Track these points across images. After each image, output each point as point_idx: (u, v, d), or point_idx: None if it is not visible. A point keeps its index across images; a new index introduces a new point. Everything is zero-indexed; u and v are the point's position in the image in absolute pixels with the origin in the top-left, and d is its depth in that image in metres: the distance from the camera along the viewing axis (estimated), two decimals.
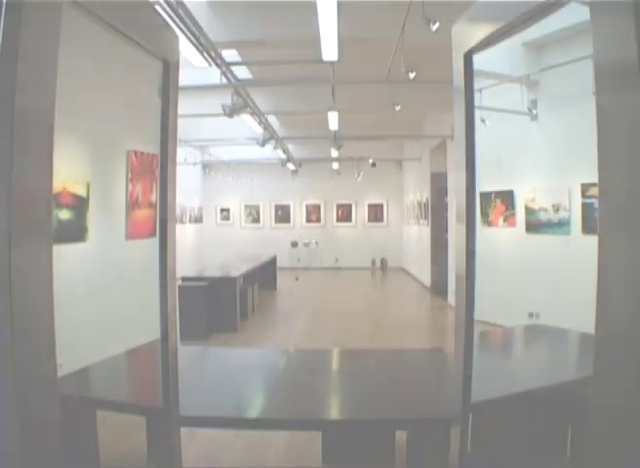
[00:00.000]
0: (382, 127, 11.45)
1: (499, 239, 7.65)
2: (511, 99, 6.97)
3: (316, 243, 16.75)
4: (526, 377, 2.67)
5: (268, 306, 9.85)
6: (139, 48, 1.59)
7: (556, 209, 6.57)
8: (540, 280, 6.80)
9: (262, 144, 8.87)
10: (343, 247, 16.79)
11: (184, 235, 14.21)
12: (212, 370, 3.04)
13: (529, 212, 7.05)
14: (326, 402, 2.54)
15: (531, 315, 6.88)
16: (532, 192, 6.98)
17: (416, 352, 4.23)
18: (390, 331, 7.47)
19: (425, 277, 12.26)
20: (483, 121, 6.51)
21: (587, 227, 6.08)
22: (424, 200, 12.32)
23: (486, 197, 7.72)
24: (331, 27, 4.39)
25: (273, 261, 11.94)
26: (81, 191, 4.32)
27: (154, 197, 5.43)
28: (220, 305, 7.20)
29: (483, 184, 7.52)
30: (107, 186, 4.84)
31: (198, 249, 15.66)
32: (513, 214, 7.38)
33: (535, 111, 6.88)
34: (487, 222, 7.83)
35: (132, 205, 5.11)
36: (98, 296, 4.50)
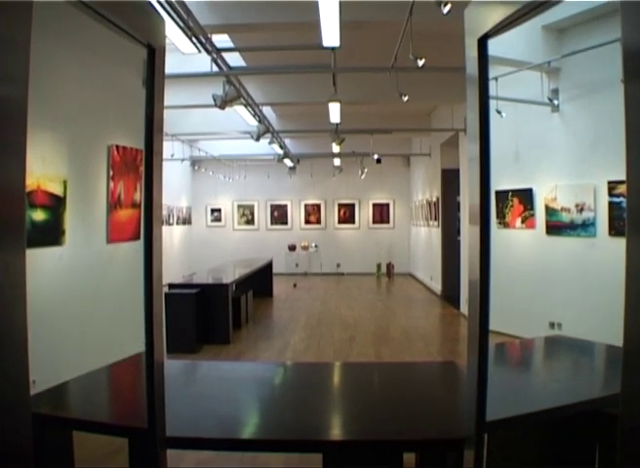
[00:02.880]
0: (388, 119, 11.46)
1: (516, 242, 7.65)
2: (530, 89, 6.97)
3: (316, 246, 16.75)
4: (547, 394, 2.66)
5: (264, 316, 9.84)
6: (120, 32, 1.59)
7: (580, 209, 6.57)
8: (562, 287, 6.80)
9: (257, 138, 8.86)
10: (346, 250, 16.80)
11: (172, 238, 14.21)
12: (201, 386, 3.03)
13: (550, 212, 7.05)
14: (327, 421, 2.53)
15: (552, 325, 6.87)
16: (553, 191, 6.99)
17: (425, 366, 4.22)
18: (397, 343, 7.46)
19: (436, 283, 12.26)
20: (499, 112, 6.53)
21: (615, 229, 6.08)
22: (434, 199, 12.33)
23: (502, 196, 7.72)
24: (331, 9, 4.40)
25: (269, 266, 11.95)
26: (57, 190, 4.32)
27: (138, 196, 5.43)
28: (210, 315, 7.20)
29: (499, 182, 7.54)
30: (86, 184, 4.84)
31: (187, 253, 15.67)
32: (532, 215, 7.38)
33: (556, 101, 6.88)
34: (503, 224, 7.83)
35: (113, 205, 5.11)
36: (76, 305, 4.50)
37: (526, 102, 7.05)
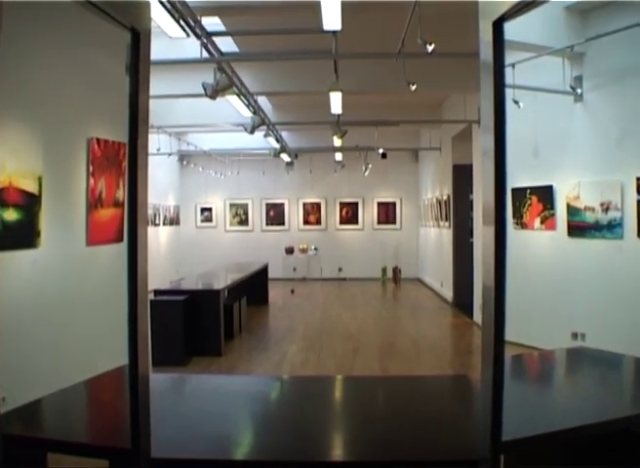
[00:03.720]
0: (395, 110, 11.46)
1: (535, 244, 7.64)
2: (551, 76, 6.98)
3: (315, 249, 16.75)
4: (570, 412, 2.66)
5: (259, 325, 9.85)
6: (101, 15, 1.60)
7: (605, 208, 6.57)
8: (585, 293, 6.79)
9: (251, 131, 8.87)
10: (348, 253, 16.80)
11: (158, 240, 14.21)
12: (190, 403, 3.03)
13: (572, 211, 7.04)
14: (328, 440, 2.53)
15: (575, 336, 6.87)
16: (575, 188, 6.99)
17: (435, 380, 4.22)
18: (404, 355, 7.46)
19: (446, 290, 12.26)
20: (516, 102, 6.53)
21: None
22: (445, 197, 12.33)
23: (519, 194, 7.72)
24: None
25: (264, 271, 11.96)
26: (31, 187, 4.32)
27: (121, 194, 5.43)
28: (200, 324, 7.19)
29: (516, 179, 7.54)
30: (64, 181, 4.84)
31: (174, 256, 15.67)
32: (553, 215, 7.38)
33: (579, 90, 6.88)
34: (520, 224, 7.82)
35: (94, 203, 5.11)
36: (52, 314, 4.50)
37: (546, 91, 7.05)
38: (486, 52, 1.73)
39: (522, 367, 3.65)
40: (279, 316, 10.80)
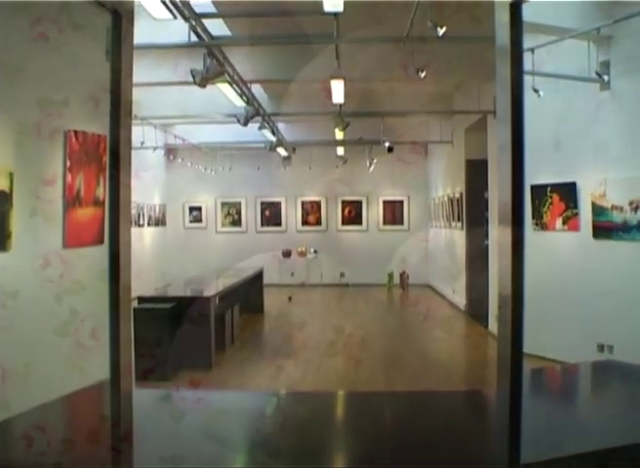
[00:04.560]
0: (402, 100, 11.46)
1: (556, 246, 7.64)
2: (574, 61, 6.97)
3: (315, 252, 16.75)
4: (597, 433, 2.65)
5: (253, 335, 9.85)
6: None
7: (635, 207, 6.56)
8: (613, 301, 6.78)
9: (245, 123, 8.88)
10: (351, 257, 16.79)
11: (142, 242, 14.21)
12: (178, 421, 3.03)
13: (597, 211, 7.04)
14: (328, 462, 2.53)
15: (601, 348, 6.86)
16: (601, 185, 6.98)
17: (446, 396, 4.22)
18: (412, 368, 7.46)
19: (459, 297, 12.26)
20: (536, 91, 6.52)
21: None
22: (457, 195, 12.34)
23: (539, 192, 7.72)
24: None
25: (259, 276, 11.98)
26: (1, 184, 4.32)
27: (102, 192, 5.43)
28: (188, 334, 7.18)
29: (535, 175, 7.54)
30: (38, 178, 4.83)
31: (160, 260, 15.66)
32: (576, 214, 7.38)
33: (606, 77, 6.87)
34: (540, 225, 7.82)
35: (72, 202, 5.11)
36: (24, 324, 4.49)
37: (569, 78, 7.04)
38: (502, 35, 1.73)
39: (542, 382, 3.65)
40: (275, 325, 10.80)
